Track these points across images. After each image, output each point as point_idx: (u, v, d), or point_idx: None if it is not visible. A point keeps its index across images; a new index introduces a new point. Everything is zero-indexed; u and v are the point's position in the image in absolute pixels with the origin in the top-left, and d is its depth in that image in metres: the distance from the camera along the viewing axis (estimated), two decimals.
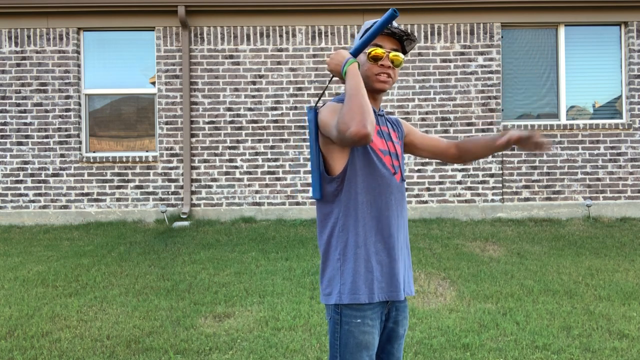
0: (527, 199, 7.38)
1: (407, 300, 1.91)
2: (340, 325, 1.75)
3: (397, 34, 1.80)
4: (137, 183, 7.34)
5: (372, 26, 1.78)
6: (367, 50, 1.79)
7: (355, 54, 1.75)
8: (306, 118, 1.93)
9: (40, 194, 7.31)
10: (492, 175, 7.37)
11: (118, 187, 7.33)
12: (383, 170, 1.78)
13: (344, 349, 1.74)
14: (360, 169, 1.75)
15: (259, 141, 7.35)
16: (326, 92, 7.35)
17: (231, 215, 7.29)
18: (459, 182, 7.36)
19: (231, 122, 7.35)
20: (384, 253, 1.76)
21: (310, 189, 1.78)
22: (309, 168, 7.33)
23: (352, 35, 7.33)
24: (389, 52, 1.78)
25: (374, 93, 1.83)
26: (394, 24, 1.79)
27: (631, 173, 7.40)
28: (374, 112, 1.84)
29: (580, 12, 7.38)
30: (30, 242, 6.33)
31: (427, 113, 7.36)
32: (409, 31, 1.82)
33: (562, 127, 7.35)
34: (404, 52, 1.86)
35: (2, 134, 7.31)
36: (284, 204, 7.34)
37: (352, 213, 1.75)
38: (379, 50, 1.77)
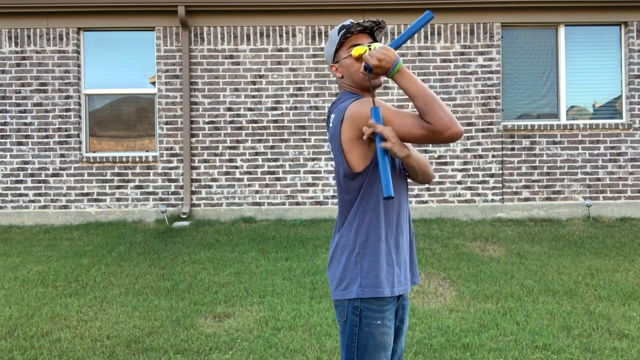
0: (527, 199, 7.38)
1: (408, 298, 1.95)
2: (359, 327, 1.73)
3: (369, 28, 1.86)
4: (137, 183, 7.34)
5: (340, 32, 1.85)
6: (351, 53, 1.82)
7: (396, 48, 1.80)
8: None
9: (40, 194, 7.31)
10: (492, 175, 7.37)
11: (118, 187, 7.33)
12: (397, 167, 1.84)
13: (362, 350, 1.72)
14: None
15: (259, 141, 7.35)
16: (323, 92, 7.36)
17: (231, 215, 7.29)
18: (459, 182, 7.36)
19: (231, 122, 7.35)
20: (402, 247, 1.81)
21: (385, 188, 1.76)
22: (309, 168, 7.33)
23: None
24: (369, 46, 1.80)
25: (373, 91, 1.87)
26: (363, 20, 1.84)
27: (631, 173, 7.40)
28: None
29: (580, 12, 7.38)
30: (30, 242, 6.33)
31: None
32: (378, 19, 1.87)
33: (562, 127, 7.34)
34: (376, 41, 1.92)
35: (2, 134, 7.31)
36: (284, 204, 7.34)
37: (376, 208, 1.77)
38: (362, 48, 1.80)
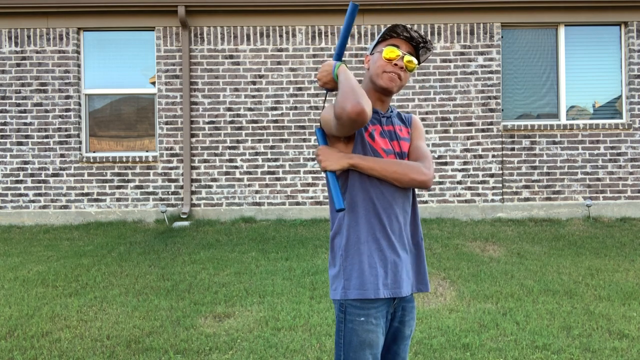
0: (527, 199, 7.38)
1: (414, 301, 1.91)
2: (344, 323, 1.75)
3: (415, 40, 1.83)
4: (137, 183, 7.34)
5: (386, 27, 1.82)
6: (383, 50, 1.81)
7: (339, 57, 1.80)
8: (314, 131, 1.97)
9: (40, 194, 7.31)
10: (492, 175, 7.37)
11: (118, 187, 7.33)
12: None
13: (347, 347, 1.75)
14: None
15: (259, 141, 7.35)
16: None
17: (231, 215, 7.29)
18: (459, 182, 7.36)
19: (231, 122, 7.35)
20: (388, 250, 1.77)
21: (335, 201, 1.83)
22: (309, 168, 7.33)
23: (352, 35, 7.33)
24: (404, 55, 1.81)
25: (381, 93, 1.85)
26: (412, 29, 1.82)
27: (631, 173, 7.40)
28: (379, 113, 1.87)
29: (580, 12, 7.38)
30: (30, 242, 6.33)
31: (427, 113, 7.36)
32: (427, 39, 1.84)
33: (562, 127, 7.35)
34: (418, 60, 1.88)
35: (2, 134, 7.31)
36: (284, 204, 7.34)
37: (356, 210, 1.77)
38: (396, 51, 1.79)
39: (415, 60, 1.83)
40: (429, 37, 1.76)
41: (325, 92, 1.88)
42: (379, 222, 1.77)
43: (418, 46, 1.85)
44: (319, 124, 1.84)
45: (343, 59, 1.86)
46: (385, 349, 1.87)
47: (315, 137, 7.33)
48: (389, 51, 1.79)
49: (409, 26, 1.81)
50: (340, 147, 1.81)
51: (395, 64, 1.80)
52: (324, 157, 1.77)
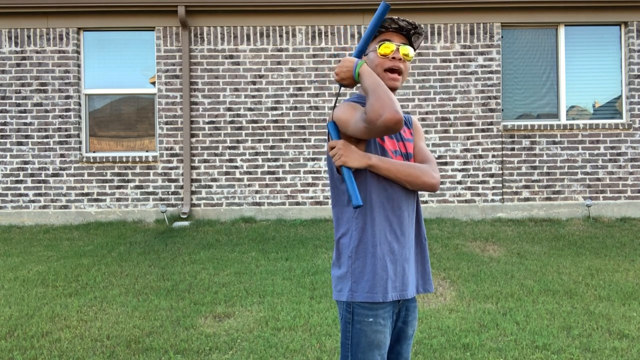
0: (527, 199, 7.37)
1: (416, 301, 1.91)
2: (352, 324, 1.74)
3: (405, 28, 1.81)
4: (137, 183, 7.34)
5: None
6: (377, 46, 1.80)
7: (360, 55, 1.77)
8: (326, 130, 1.92)
9: (40, 194, 7.31)
10: (492, 175, 7.37)
11: (118, 187, 7.33)
12: None
13: (355, 348, 1.74)
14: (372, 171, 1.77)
15: (259, 141, 7.35)
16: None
17: (231, 215, 7.29)
18: (459, 182, 7.36)
19: (231, 122, 7.35)
20: (398, 252, 1.77)
21: (352, 198, 1.77)
22: (309, 168, 7.33)
23: (352, 35, 7.33)
24: (399, 46, 1.80)
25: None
26: (399, 18, 1.81)
27: (631, 173, 7.40)
28: None
29: (580, 12, 7.38)
30: (30, 242, 6.33)
31: (427, 113, 7.36)
32: (416, 24, 1.82)
33: (562, 127, 7.35)
34: (413, 47, 1.87)
35: (2, 134, 7.31)
36: (284, 204, 7.34)
37: (367, 212, 1.76)
38: (390, 45, 1.78)
39: (411, 51, 1.81)
40: (419, 24, 1.72)
41: (339, 87, 1.84)
42: (389, 225, 1.76)
43: (409, 34, 1.84)
44: (330, 118, 1.80)
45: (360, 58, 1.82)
46: (389, 349, 1.86)
47: (312, 139, 7.34)
48: (384, 47, 1.78)
49: (395, 17, 1.79)
50: None
51: (393, 58, 1.78)
52: (345, 152, 1.71)
